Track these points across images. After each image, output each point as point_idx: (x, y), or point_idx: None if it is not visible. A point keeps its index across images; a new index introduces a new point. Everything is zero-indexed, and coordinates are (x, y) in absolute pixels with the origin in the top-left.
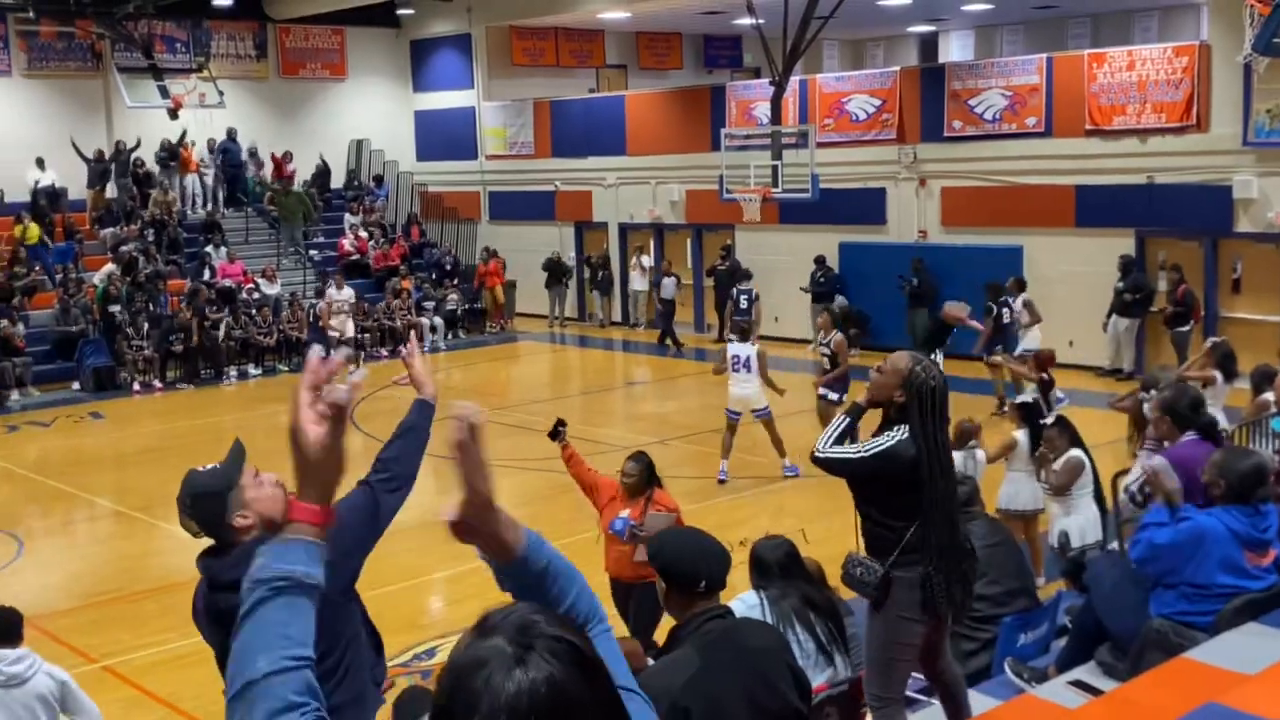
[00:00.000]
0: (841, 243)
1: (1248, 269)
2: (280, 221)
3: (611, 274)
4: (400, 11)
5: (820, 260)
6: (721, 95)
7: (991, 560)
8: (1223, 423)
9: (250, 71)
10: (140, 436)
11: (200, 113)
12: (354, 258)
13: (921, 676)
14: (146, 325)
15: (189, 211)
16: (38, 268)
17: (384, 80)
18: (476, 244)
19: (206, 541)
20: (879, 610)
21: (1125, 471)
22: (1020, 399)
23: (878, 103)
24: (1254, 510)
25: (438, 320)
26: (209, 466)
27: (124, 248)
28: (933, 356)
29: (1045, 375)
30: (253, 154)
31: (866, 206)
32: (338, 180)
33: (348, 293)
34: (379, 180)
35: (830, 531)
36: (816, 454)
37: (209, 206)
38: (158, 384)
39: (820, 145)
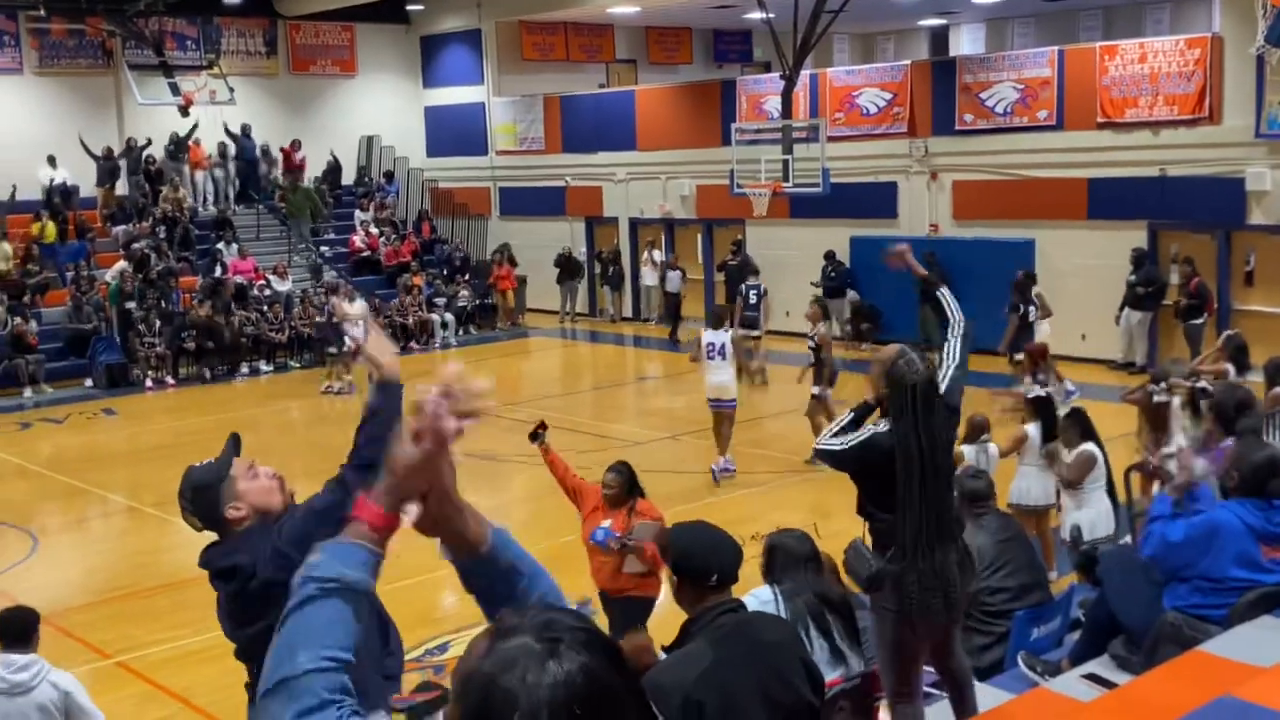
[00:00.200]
0: (853, 237)
1: (1261, 261)
2: (289, 218)
3: (622, 269)
4: (410, 7)
5: (830, 255)
6: (732, 89)
7: (1003, 554)
8: None
9: (260, 68)
10: (153, 433)
11: (211, 110)
12: (365, 254)
13: (932, 670)
14: (158, 322)
15: (200, 208)
16: (49, 265)
17: (394, 76)
18: (487, 240)
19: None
20: (874, 604)
21: (1137, 465)
22: (1033, 393)
23: (888, 96)
24: (1268, 504)
25: (449, 316)
26: (205, 461)
27: (136, 245)
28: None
29: (1037, 372)
30: (265, 152)
31: (878, 200)
32: (348, 177)
33: (360, 306)
34: (389, 176)
35: (842, 526)
36: (814, 447)
37: (220, 203)
38: (170, 380)
39: (831, 139)
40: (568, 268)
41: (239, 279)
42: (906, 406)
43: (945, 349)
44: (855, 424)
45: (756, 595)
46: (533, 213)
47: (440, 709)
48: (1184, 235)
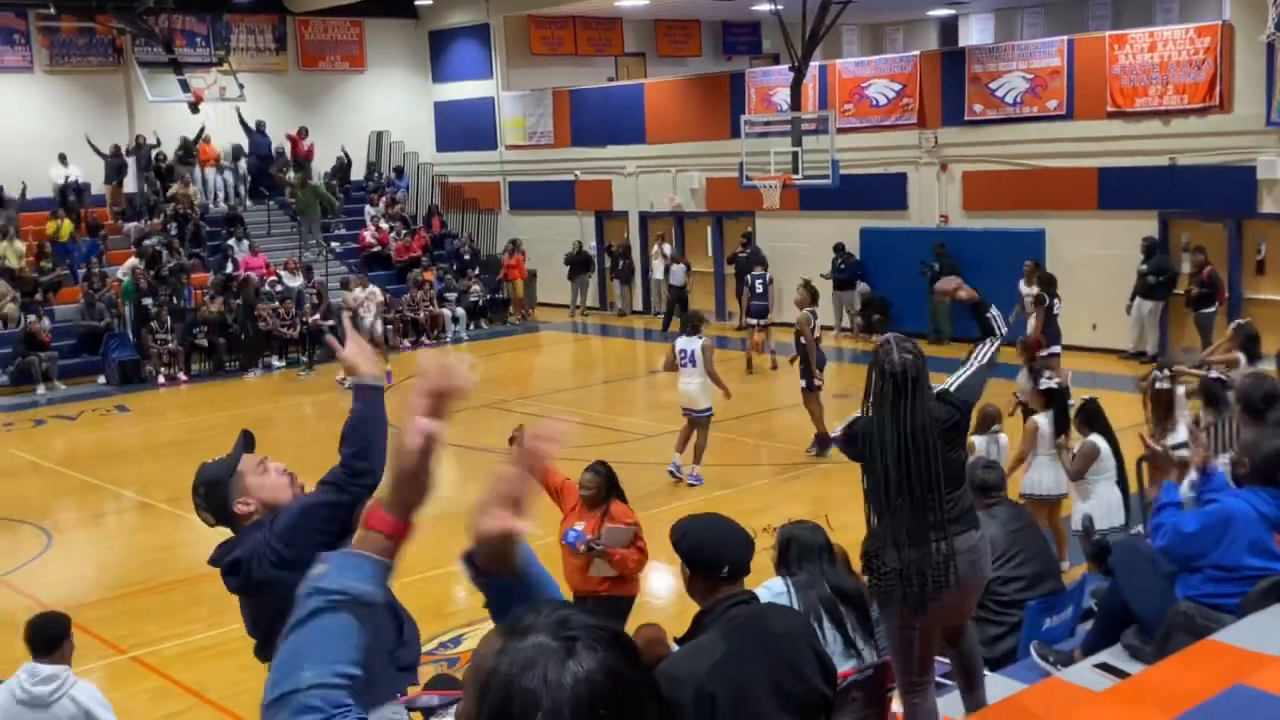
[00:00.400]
0: (863, 228)
1: (1272, 250)
2: (300, 215)
3: (632, 263)
4: (418, 2)
5: (840, 248)
6: (741, 82)
7: (1015, 544)
8: None
9: (270, 64)
10: (166, 429)
11: (221, 107)
12: (375, 250)
13: (946, 661)
14: (170, 319)
15: (211, 205)
16: (62, 263)
17: (403, 71)
18: (497, 234)
19: (229, 532)
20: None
21: (1148, 455)
22: (1044, 384)
23: (898, 87)
24: None
25: (460, 311)
26: (218, 458)
27: (147, 242)
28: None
29: (1034, 362)
30: (280, 153)
31: (887, 192)
32: (358, 172)
33: (371, 292)
34: (399, 172)
35: (853, 518)
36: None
37: (231, 200)
38: (182, 376)
39: (840, 131)
40: (579, 262)
41: (250, 274)
42: (885, 391)
43: (978, 350)
44: None
45: (769, 587)
46: (542, 207)
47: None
48: (1195, 224)
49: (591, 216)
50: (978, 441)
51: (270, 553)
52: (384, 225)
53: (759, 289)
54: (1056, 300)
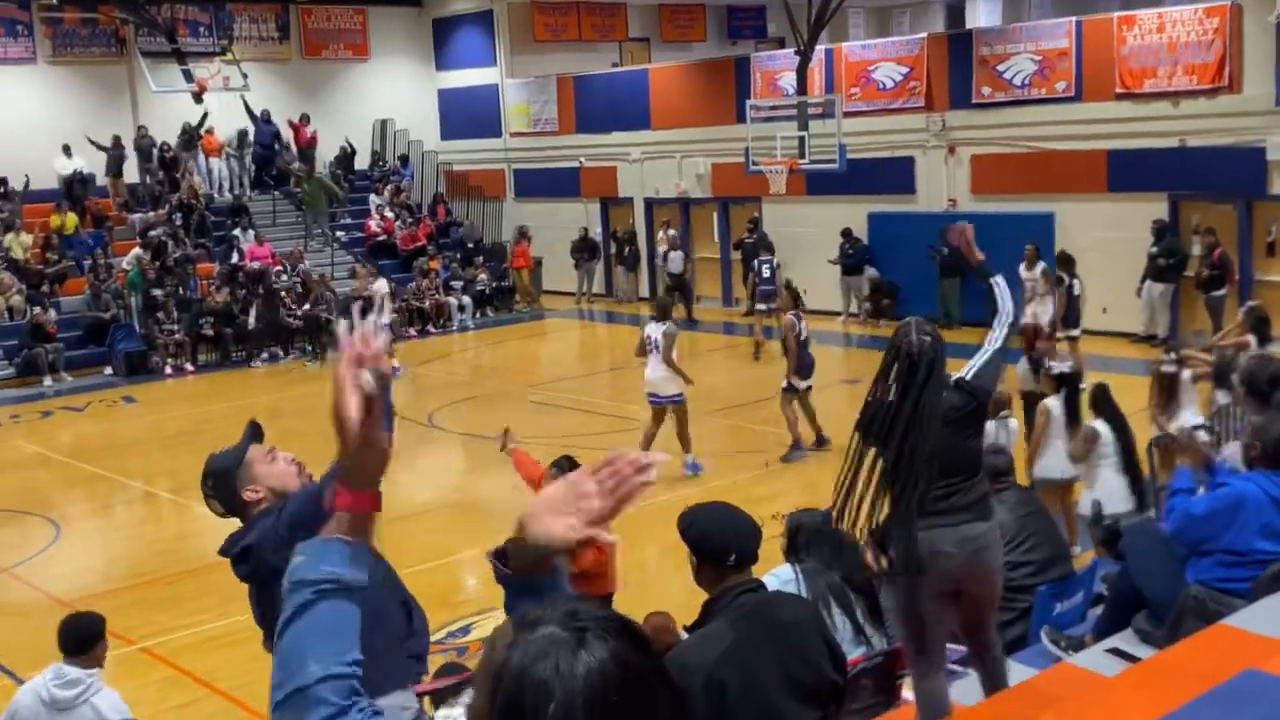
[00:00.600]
0: (870, 213)
1: None
2: (305, 207)
3: (638, 249)
4: None
5: (847, 233)
6: (746, 66)
7: (1025, 529)
8: None
9: (273, 53)
10: (173, 420)
11: (224, 97)
12: (381, 238)
13: (961, 647)
14: (176, 309)
15: (216, 195)
16: (67, 254)
17: (407, 59)
18: (503, 222)
19: (238, 523)
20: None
21: (1159, 439)
22: (1057, 369)
23: (905, 70)
24: None
25: (466, 299)
26: (226, 449)
27: (153, 233)
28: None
29: (1034, 350)
30: (286, 146)
31: (895, 176)
32: (362, 161)
33: (381, 285)
34: (404, 160)
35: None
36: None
37: (236, 190)
38: (189, 367)
39: (847, 115)
40: (585, 249)
41: (255, 264)
42: (892, 371)
43: (990, 336)
44: None
45: (777, 575)
46: (548, 194)
47: (466, 689)
48: (1205, 206)
49: (597, 203)
50: (988, 426)
51: (279, 540)
52: (389, 214)
53: (765, 274)
54: (1076, 281)
